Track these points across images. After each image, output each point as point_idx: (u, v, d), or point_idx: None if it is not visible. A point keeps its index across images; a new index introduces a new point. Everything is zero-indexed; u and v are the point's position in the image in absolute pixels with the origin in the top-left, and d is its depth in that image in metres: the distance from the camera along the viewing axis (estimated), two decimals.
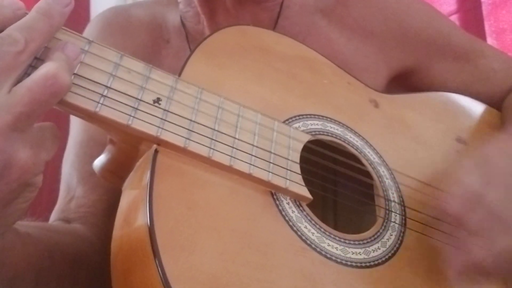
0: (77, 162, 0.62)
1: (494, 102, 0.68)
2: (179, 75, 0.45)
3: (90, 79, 0.38)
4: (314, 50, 0.58)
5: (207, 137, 0.41)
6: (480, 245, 0.43)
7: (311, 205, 0.45)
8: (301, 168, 0.46)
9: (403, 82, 0.69)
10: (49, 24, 0.35)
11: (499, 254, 0.43)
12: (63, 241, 0.52)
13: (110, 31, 0.67)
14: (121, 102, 0.39)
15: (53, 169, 0.45)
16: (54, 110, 0.37)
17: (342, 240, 0.44)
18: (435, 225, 0.50)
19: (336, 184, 0.55)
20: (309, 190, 0.45)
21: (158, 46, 0.66)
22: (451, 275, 0.44)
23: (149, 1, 0.72)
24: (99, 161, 0.46)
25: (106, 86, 0.38)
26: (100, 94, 0.38)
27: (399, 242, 0.47)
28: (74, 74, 0.37)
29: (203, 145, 0.41)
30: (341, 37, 0.65)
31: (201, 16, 0.63)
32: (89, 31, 0.69)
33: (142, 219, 0.37)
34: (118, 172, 0.45)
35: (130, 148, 0.42)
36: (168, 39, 0.66)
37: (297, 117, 0.50)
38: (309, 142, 0.48)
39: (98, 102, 0.37)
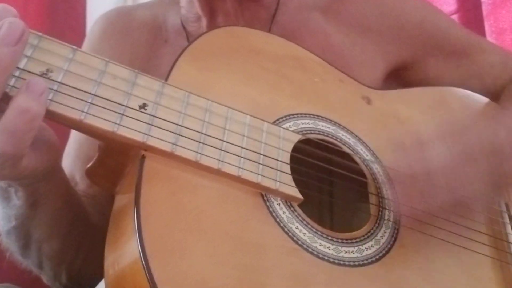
0: (79, 163, 0.63)
1: (492, 96, 0.68)
2: (166, 79, 0.45)
3: (74, 87, 0.38)
4: (311, 45, 0.58)
5: (194, 140, 0.41)
6: None
7: (307, 207, 0.45)
8: (296, 169, 0.45)
9: (400, 77, 0.69)
10: None
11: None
12: (86, 208, 0.56)
13: (111, 32, 0.69)
14: (107, 109, 0.39)
15: None
16: None
17: (335, 239, 0.44)
18: (429, 221, 0.49)
19: (331, 184, 0.55)
20: (302, 191, 0.45)
21: (157, 45, 0.67)
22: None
23: (153, 2, 0.73)
24: (90, 167, 0.46)
25: (91, 94, 0.38)
26: (85, 101, 0.38)
27: (393, 239, 0.47)
28: (59, 82, 0.37)
29: (190, 149, 0.41)
30: (338, 32, 0.65)
31: (202, 20, 0.64)
32: (92, 31, 0.71)
33: (131, 225, 0.37)
34: (109, 178, 0.45)
35: (119, 154, 0.42)
36: (167, 39, 0.67)
37: (288, 117, 0.50)
38: (302, 142, 0.48)
39: (83, 111, 0.37)
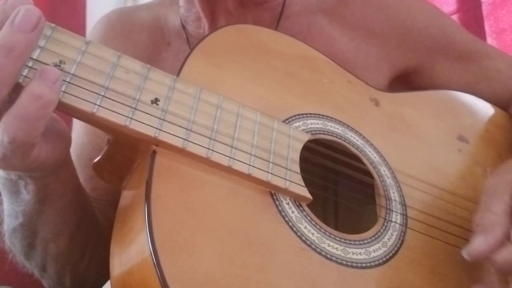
0: (80, 167, 0.61)
1: (499, 102, 0.68)
2: (178, 74, 0.44)
3: (87, 80, 0.38)
4: (315, 48, 0.58)
5: (206, 137, 0.41)
6: None
7: (311, 205, 0.45)
8: (302, 168, 0.45)
9: (406, 81, 0.69)
10: (13, 58, 0.34)
11: None
12: (93, 208, 0.55)
13: (113, 34, 0.68)
14: (119, 103, 0.38)
15: None
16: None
17: (343, 240, 0.44)
18: (436, 224, 0.49)
19: (337, 184, 0.55)
20: (309, 190, 0.44)
21: (159, 48, 0.66)
22: None
23: (153, 2, 0.72)
24: (98, 162, 0.45)
25: (104, 87, 0.38)
26: (97, 94, 0.37)
27: (400, 241, 0.47)
28: (72, 74, 0.37)
29: (202, 145, 0.40)
30: (342, 36, 0.64)
31: (202, 21, 0.63)
32: (94, 33, 0.70)
33: (140, 220, 0.36)
34: (116, 172, 0.45)
35: (128, 149, 0.42)
36: (169, 41, 0.66)
37: (297, 116, 0.49)
38: (310, 141, 0.48)
39: (95, 104, 0.37)
